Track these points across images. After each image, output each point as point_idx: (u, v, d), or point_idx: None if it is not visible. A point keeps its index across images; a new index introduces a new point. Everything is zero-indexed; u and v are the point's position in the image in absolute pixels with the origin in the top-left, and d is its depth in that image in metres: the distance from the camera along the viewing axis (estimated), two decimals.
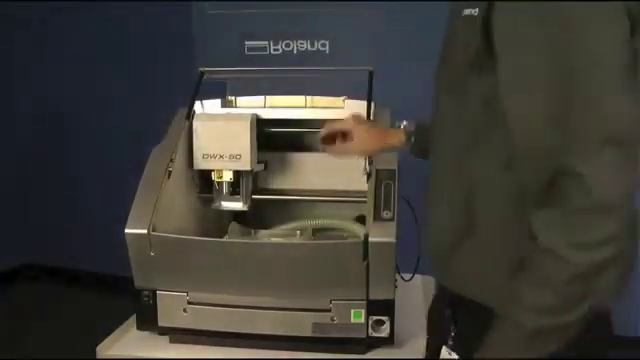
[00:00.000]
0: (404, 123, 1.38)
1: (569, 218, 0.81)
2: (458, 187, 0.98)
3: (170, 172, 1.50)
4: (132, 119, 3.33)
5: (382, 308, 1.37)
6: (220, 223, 1.70)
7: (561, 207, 0.82)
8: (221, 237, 1.59)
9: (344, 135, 1.42)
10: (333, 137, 1.45)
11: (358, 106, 1.61)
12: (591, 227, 0.80)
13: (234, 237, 1.57)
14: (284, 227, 1.71)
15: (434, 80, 1.05)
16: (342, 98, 1.65)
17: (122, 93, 3.39)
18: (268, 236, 1.62)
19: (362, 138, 1.40)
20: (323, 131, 1.46)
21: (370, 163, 1.47)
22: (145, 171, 1.50)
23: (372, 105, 1.60)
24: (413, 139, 1.36)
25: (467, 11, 0.91)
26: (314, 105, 1.70)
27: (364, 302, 1.36)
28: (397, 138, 1.39)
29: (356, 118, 1.44)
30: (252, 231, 1.67)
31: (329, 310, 1.37)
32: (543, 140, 0.84)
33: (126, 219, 1.41)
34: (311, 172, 1.77)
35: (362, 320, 1.37)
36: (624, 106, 0.81)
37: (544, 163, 0.84)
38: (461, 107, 0.95)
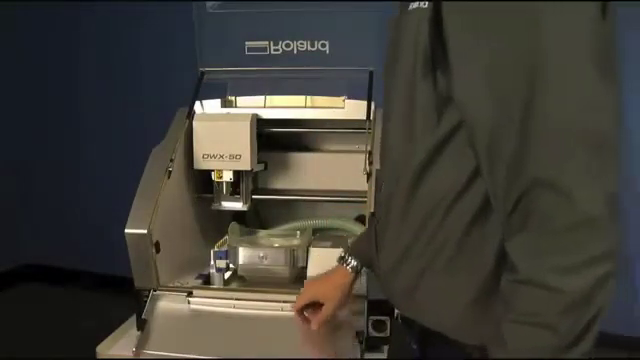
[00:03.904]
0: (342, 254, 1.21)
1: (553, 240, 0.69)
2: (415, 209, 0.86)
3: (170, 172, 1.50)
4: (132, 119, 3.32)
5: (382, 308, 1.34)
6: (220, 223, 1.69)
7: (540, 229, 0.70)
8: (221, 237, 1.58)
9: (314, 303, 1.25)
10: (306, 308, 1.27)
11: (358, 106, 1.62)
12: (581, 246, 0.68)
13: (234, 237, 1.56)
14: (284, 227, 1.71)
15: (384, 92, 0.94)
16: (342, 98, 1.65)
17: (122, 93, 3.38)
18: (267, 236, 1.62)
19: (329, 295, 1.20)
20: (297, 309, 1.25)
21: (370, 163, 1.47)
22: (145, 171, 1.50)
23: (372, 105, 1.60)
24: (357, 261, 1.18)
25: (414, 4, 0.80)
26: (314, 105, 1.69)
27: (364, 302, 1.34)
28: (346, 276, 1.19)
29: (307, 289, 1.26)
30: (252, 231, 1.66)
31: None
32: (508, 144, 0.71)
33: (126, 219, 1.40)
34: (311, 172, 1.78)
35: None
36: (599, 97, 0.68)
37: (511, 174, 0.71)
38: (410, 118, 0.83)
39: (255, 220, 1.80)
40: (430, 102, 0.79)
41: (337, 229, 1.71)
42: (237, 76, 1.70)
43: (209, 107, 1.68)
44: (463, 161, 0.80)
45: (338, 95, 1.66)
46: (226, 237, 1.58)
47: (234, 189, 1.64)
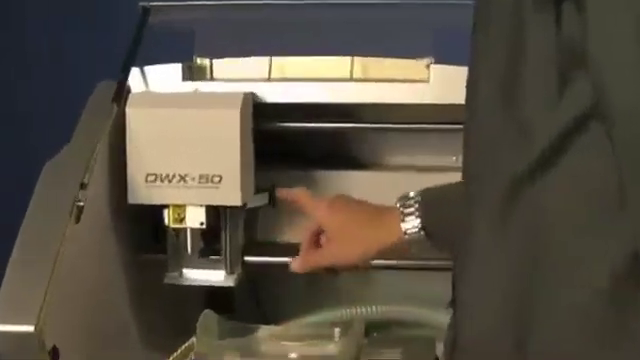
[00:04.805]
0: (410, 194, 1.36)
1: None
2: (514, 241, 0.92)
3: (81, 210, 1.46)
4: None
5: None
6: (181, 311, 1.67)
7: None
8: (184, 339, 1.55)
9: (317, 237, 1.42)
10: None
11: (455, 77, 1.48)
12: None
13: (208, 341, 1.52)
14: (308, 320, 1.62)
15: (470, 67, 0.99)
16: (425, 61, 1.62)
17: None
18: (274, 339, 1.57)
19: (345, 239, 1.40)
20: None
21: None
22: (29, 210, 1.45)
23: None
24: (419, 223, 1.32)
25: None
26: (368, 76, 1.70)
27: None
28: (394, 225, 1.36)
29: (332, 203, 1.45)
30: (244, 327, 1.60)
31: None
32: None
33: None
34: None
35: None
36: None
37: None
38: (513, 85, 0.88)
39: (251, 306, 1.77)
40: (549, 55, 0.83)
41: (411, 325, 1.63)
42: (214, 16, 1.73)
43: (159, 79, 1.66)
44: (605, 162, 0.82)
45: (416, 56, 1.64)
46: (193, 340, 1.53)
47: (208, 244, 1.61)
